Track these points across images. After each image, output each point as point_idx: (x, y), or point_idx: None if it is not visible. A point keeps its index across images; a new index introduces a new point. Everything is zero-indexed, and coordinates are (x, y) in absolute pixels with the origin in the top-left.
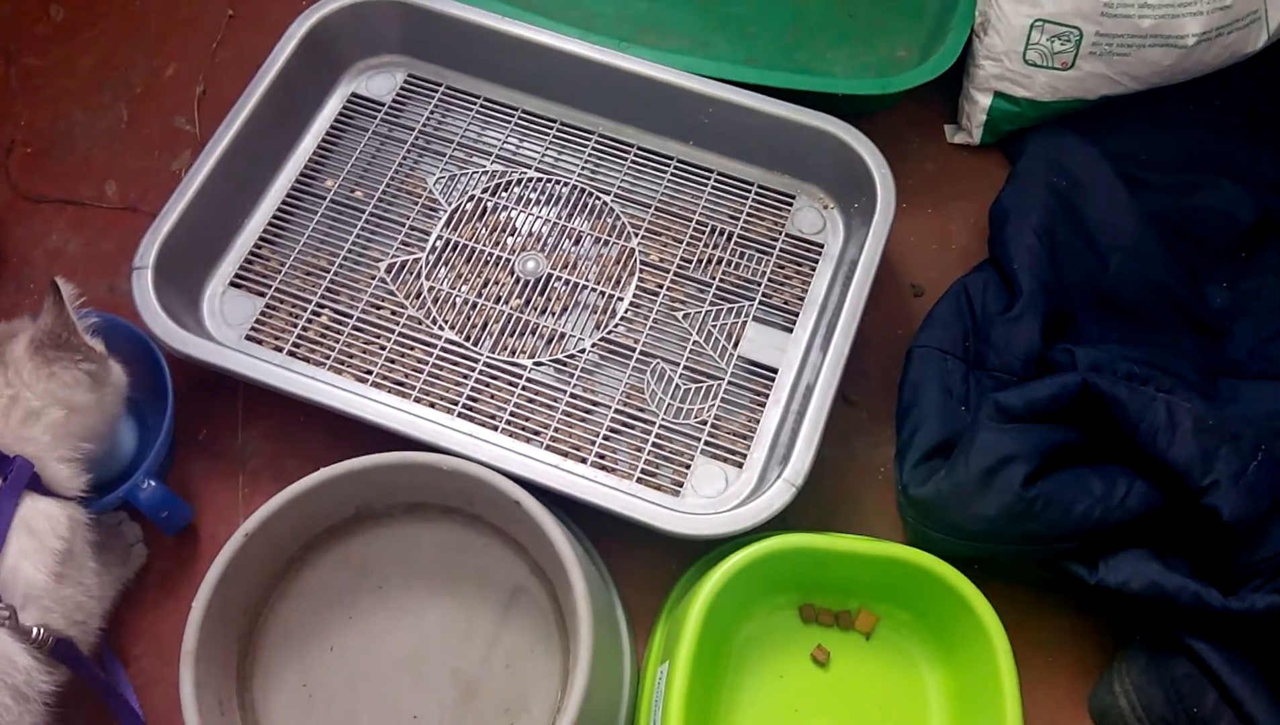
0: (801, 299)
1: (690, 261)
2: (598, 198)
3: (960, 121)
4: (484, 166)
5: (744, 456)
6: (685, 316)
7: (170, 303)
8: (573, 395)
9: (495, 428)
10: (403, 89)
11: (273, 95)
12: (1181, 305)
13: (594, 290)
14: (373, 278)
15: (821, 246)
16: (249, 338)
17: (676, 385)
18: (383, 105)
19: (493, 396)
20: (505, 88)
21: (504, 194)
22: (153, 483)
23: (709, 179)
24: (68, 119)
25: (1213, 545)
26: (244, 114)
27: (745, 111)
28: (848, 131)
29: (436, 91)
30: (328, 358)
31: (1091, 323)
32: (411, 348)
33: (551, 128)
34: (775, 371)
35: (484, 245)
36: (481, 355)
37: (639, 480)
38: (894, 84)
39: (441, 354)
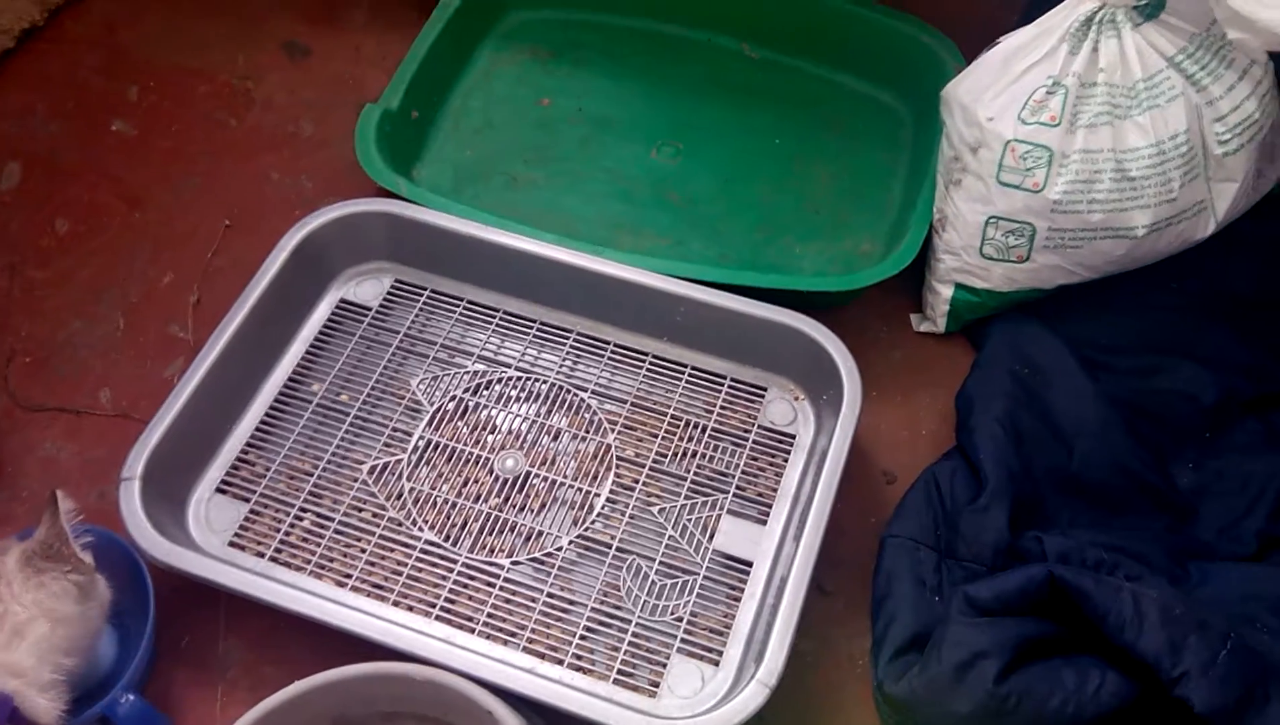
0: (775, 490)
1: (665, 455)
2: (575, 394)
3: (925, 311)
4: (466, 367)
5: (720, 654)
6: (661, 511)
7: (156, 512)
8: (550, 594)
9: (472, 630)
10: (389, 294)
11: (264, 303)
12: (1148, 488)
13: (572, 487)
14: (355, 480)
15: (793, 437)
16: (232, 544)
17: (652, 581)
18: (370, 310)
19: (470, 597)
20: (487, 290)
21: (485, 393)
22: (131, 697)
23: (683, 374)
24: (66, 329)
25: None
26: (235, 323)
27: (716, 310)
28: (814, 327)
29: (421, 295)
30: (309, 563)
31: (1061, 508)
32: (391, 549)
33: (531, 328)
34: (750, 564)
35: (464, 444)
36: (460, 555)
37: (615, 681)
38: (857, 280)
39: (421, 555)
